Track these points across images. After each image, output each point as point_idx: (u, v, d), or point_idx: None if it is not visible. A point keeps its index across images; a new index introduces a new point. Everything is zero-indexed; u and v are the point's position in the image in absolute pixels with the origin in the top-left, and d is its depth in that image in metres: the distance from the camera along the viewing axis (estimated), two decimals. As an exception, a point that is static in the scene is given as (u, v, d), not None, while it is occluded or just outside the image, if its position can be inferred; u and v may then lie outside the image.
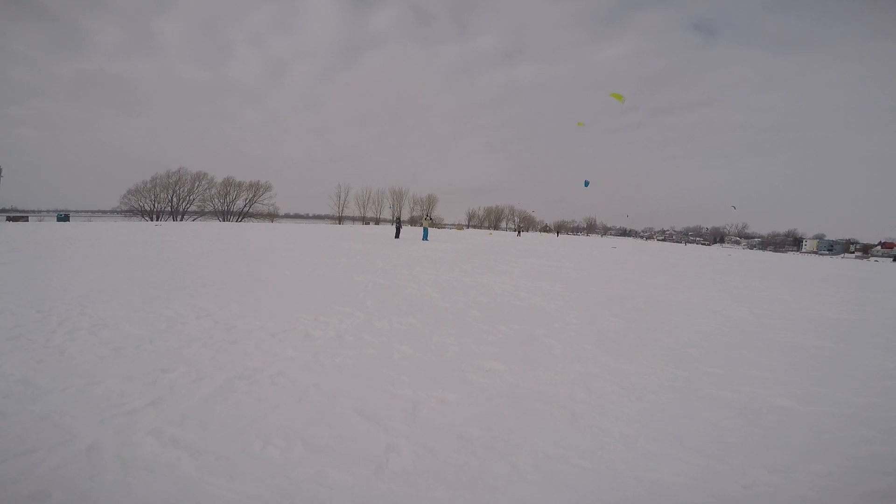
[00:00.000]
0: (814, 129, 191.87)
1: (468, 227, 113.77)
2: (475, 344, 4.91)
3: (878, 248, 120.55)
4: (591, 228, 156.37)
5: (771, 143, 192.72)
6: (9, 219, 44.07)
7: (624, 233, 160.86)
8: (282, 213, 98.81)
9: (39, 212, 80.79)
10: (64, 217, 49.35)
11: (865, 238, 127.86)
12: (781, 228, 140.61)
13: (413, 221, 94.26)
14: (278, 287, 7.91)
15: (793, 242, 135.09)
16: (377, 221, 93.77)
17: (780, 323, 7.13)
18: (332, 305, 6.59)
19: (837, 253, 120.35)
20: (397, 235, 27.58)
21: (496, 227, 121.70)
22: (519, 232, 61.19)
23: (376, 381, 3.70)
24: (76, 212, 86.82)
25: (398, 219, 30.09)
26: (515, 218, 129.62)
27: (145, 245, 14.46)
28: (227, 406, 3.09)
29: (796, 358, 5.04)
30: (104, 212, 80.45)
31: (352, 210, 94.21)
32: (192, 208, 76.32)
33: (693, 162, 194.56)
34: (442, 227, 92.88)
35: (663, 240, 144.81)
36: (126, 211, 70.21)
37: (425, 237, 27.09)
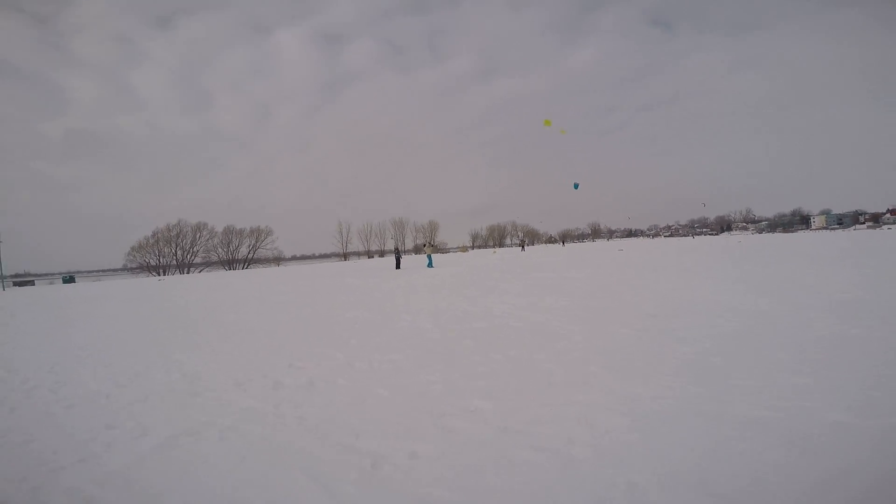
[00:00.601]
0: (798, 104, 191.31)
1: (473, 248, 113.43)
2: (463, 379, 4.29)
3: (888, 215, 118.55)
4: (596, 234, 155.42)
5: (759, 125, 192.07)
6: (15, 283, 44.30)
7: (630, 233, 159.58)
8: (288, 255, 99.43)
9: (48, 275, 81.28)
10: (69, 279, 49.61)
11: (872, 207, 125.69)
12: (786, 208, 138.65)
13: (417, 250, 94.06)
14: (262, 332, 7.47)
15: (801, 221, 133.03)
16: (381, 254, 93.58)
17: (810, 312, 6.41)
18: (314, 348, 6.08)
19: (847, 226, 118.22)
20: (398, 266, 27.07)
21: (500, 245, 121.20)
22: (523, 247, 60.51)
23: (338, 434, 3.20)
24: (84, 272, 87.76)
25: (397, 249, 29.71)
26: (519, 233, 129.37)
27: (142, 300, 14.04)
28: (160, 465, 2.88)
29: (839, 354, 4.34)
30: (112, 270, 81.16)
31: (355, 245, 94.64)
32: (197, 260, 77.15)
33: (688, 153, 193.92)
34: (446, 252, 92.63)
35: (670, 235, 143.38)
36: (133, 268, 70.89)
37: (430, 264, 26.72)
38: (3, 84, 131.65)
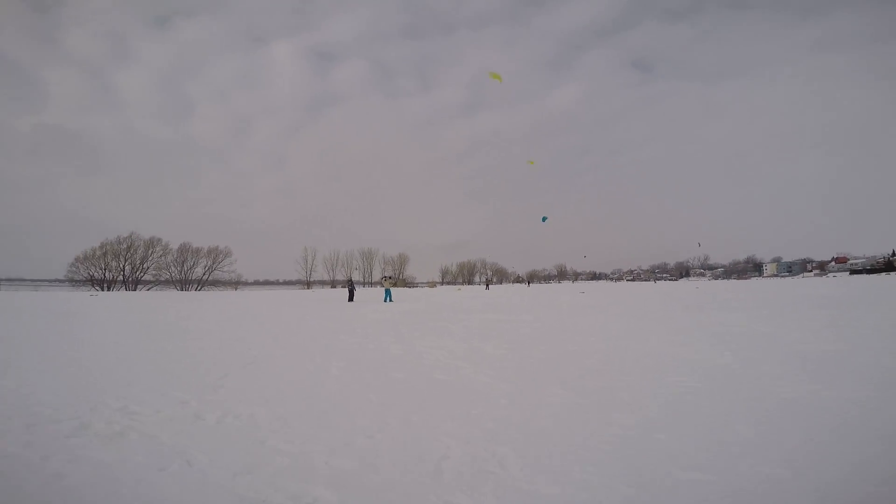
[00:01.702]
0: (755, 154, 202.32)
1: (442, 283, 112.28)
2: (322, 452, 3.19)
3: (833, 263, 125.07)
4: (562, 275, 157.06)
5: (723, 173, 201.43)
6: None
7: (594, 276, 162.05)
8: (250, 279, 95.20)
9: None
10: None
11: (819, 255, 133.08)
12: (741, 255, 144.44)
13: (393, 283, 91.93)
14: (112, 360, 6.02)
15: (753, 268, 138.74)
16: (347, 284, 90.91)
17: (772, 367, 5.67)
18: (169, 387, 4.74)
19: (797, 273, 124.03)
20: (351, 298, 25.64)
21: (469, 282, 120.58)
22: (487, 285, 59.90)
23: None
24: (20, 281, 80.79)
25: (350, 280, 28.37)
26: (488, 271, 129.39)
27: (49, 318, 12.19)
28: None
29: (816, 425, 3.50)
30: (55, 281, 75.07)
31: (320, 273, 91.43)
32: (147, 277, 72.16)
33: (653, 199, 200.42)
34: (414, 286, 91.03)
35: (632, 279, 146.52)
36: (76, 280, 65.79)
37: (387, 299, 25.25)
38: None
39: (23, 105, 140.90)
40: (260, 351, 7.91)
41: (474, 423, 3.91)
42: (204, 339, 9.44)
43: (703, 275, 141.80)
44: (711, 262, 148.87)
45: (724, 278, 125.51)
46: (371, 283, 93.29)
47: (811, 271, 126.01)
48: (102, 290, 61.80)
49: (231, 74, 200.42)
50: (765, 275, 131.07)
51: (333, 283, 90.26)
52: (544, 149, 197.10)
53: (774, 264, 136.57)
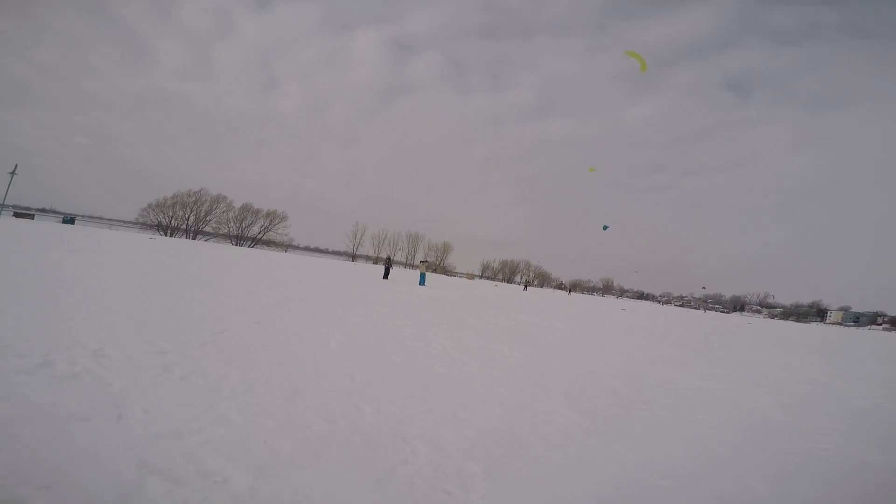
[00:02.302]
0: (843, 193, 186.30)
1: (480, 277, 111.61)
2: (268, 431, 2.81)
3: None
4: (607, 289, 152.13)
5: (801, 208, 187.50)
6: (15, 215, 43.73)
7: (641, 296, 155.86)
8: (302, 245, 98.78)
9: (59, 213, 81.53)
10: (70, 220, 48.70)
11: (895, 310, 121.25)
12: (806, 299, 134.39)
13: (426, 268, 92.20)
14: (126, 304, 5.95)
15: (817, 313, 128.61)
16: (385, 261, 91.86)
17: (821, 421, 4.85)
18: (149, 341, 4.56)
19: (863, 324, 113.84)
20: (386, 276, 25.65)
21: (510, 281, 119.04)
22: (525, 286, 58.76)
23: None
24: (99, 219, 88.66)
25: (388, 258, 28.34)
26: (530, 273, 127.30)
27: (88, 253, 12.76)
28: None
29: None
30: (124, 222, 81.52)
31: (367, 249, 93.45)
32: (208, 229, 76.86)
33: (719, 226, 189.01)
34: (453, 275, 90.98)
35: (681, 305, 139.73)
36: (145, 224, 70.86)
37: (422, 282, 25.25)
38: (106, 38, 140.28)
39: (135, 69, 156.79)
40: (270, 313, 7.76)
41: (454, 428, 3.45)
42: (221, 293, 9.44)
43: (758, 312, 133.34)
44: (772, 300, 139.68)
45: (781, 318, 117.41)
46: (413, 265, 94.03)
47: (881, 324, 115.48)
48: (166, 235, 65.82)
49: (317, 56, 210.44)
50: (827, 321, 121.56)
51: (377, 260, 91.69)
52: (612, 160, 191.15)
53: (840, 312, 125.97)
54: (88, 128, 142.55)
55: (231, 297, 9.11)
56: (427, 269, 29.72)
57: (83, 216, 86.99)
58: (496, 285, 58.82)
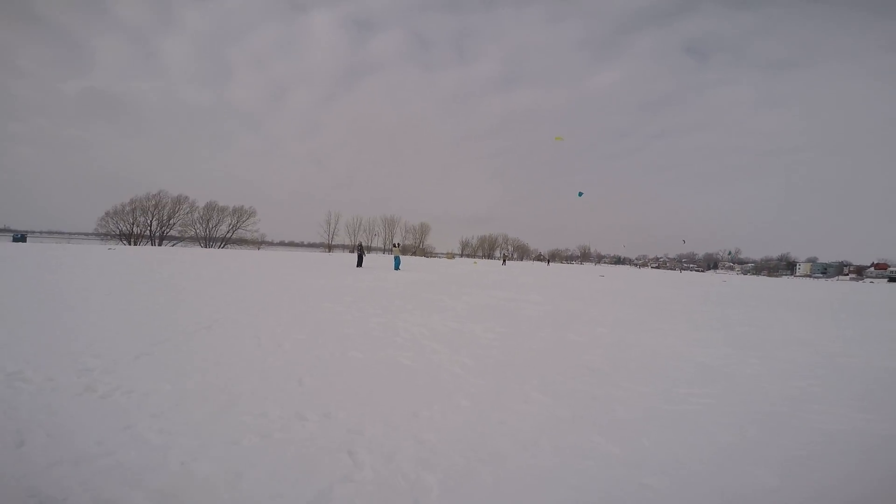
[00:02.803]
0: (808, 150, 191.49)
1: (461, 256, 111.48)
2: (188, 451, 2.33)
3: (871, 269, 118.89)
4: (585, 257, 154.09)
5: (766, 166, 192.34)
6: None
7: (618, 261, 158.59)
8: (276, 240, 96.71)
9: (10, 230, 77.65)
10: (20, 237, 46.43)
11: (858, 260, 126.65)
12: (774, 252, 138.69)
13: (405, 250, 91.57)
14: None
15: (786, 266, 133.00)
16: (368, 249, 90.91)
17: (813, 386, 4.59)
18: (76, 359, 4.00)
19: (831, 276, 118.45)
20: (360, 264, 24.99)
21: (489, 256, 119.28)
22: (504, 261, 58.72)
23: None
24: (50, 233, 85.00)
25: (360, 245, 27.63)
26: (509, 247, 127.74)
27: (34, 270, 11.84)
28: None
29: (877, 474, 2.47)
30: (84, 234, 78.07)
31: (342, 238, 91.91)
32: (173, 233, 73.90)
33: (688, 187, 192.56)
34: (433, 256, 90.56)
35: (657, 267, 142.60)
36: (103, 234, 67.81)
37: (397, 266, 24.65)
38: (35, 40, 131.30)
39: (71, 70, 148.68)
40: (225, 316, 7.17)
41: (413, 431, 3.01)
42: (176, 298, 8.79)
43: (731, 269, 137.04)
44: (743, 256, 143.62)
45: (753, 274, 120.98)
46: (390, 250, 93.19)
47: (847, 275, 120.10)
48: (130, 244, 63.26)
49: (270, 42, 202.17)
50: (797, 274, 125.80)
51: (352, 248, 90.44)
52: (580, 129, 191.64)
53: (809, 264, 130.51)
54: (29, 136, 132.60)
55: (182, 301, 8.47)
56: (401, 252, 29.15)
57: (38, 232, 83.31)
58: (475, 262, 58.63)
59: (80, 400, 3.26)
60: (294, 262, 27.64)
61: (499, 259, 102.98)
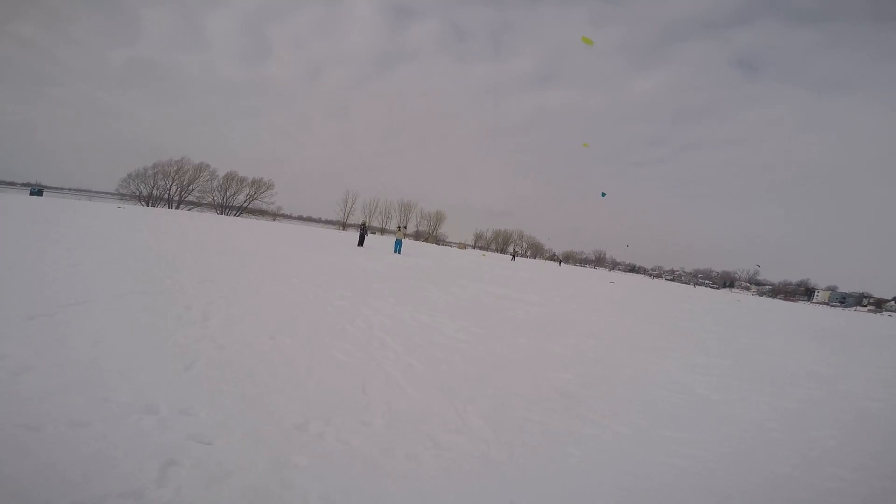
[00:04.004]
0: (838, 179, 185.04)
1: (473, 247, 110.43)
2: None
3: (893, 302, 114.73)
4: (599, 262, 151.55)
5: (795, 189, 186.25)
6: None
7: (632, 269, 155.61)
8: (294, 214, 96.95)
9: (47, 187, 79.28)
10: (37, 191, 46.61)
11: (879, 292, 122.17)
12: (793, 277, 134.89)
13: (418, 236, 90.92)
14: None
15: (804, 292, 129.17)
16: (382, 231, 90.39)
17: (832, 437, 3.67)
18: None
19: (849, 305, 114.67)
20: (361, 243, 24.29)
21: (502, 251, 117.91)
22: (514, 256, 57.64)
23: None
24: (85, 191, 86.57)
25: (363, 225, 26.90)
26: (523, 243, 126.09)
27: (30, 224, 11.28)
28: None
29: None
30: (109, 194, 79.10)
31: (358, 218, 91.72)
32: (191, 198, 74.54)
33: (714, 202, 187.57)
34: (445, 244, 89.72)
35: (672, 279, 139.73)
36: (124, 194, 68.48)
37: (397, 249, 23.92)
38: (94, 10, 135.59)
39: (118, 39, 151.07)
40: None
41: (283, 448, 2.19)
42: (154, 269, 8.10)
43: (747, 289, 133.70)
44: (760, 277, 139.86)
45: (769, 296, 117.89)
46: (393, 233, 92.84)
47: (866, 306, 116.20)
48: (148, 206, 63.75)
49: (311, 22, 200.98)
50: (814, 301, 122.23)
51: (365, 228, 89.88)
52: (608, 134, 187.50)
53: (827, 292, 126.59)
54: (68, 100, 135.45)
55: (157, 275, 7.77)
56: (413, 237, 28.39)
57: (67, 189, 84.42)
58: (484, 255, 57.66)
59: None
60: (300, 235, 27.03)
61: (509, 254, 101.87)
